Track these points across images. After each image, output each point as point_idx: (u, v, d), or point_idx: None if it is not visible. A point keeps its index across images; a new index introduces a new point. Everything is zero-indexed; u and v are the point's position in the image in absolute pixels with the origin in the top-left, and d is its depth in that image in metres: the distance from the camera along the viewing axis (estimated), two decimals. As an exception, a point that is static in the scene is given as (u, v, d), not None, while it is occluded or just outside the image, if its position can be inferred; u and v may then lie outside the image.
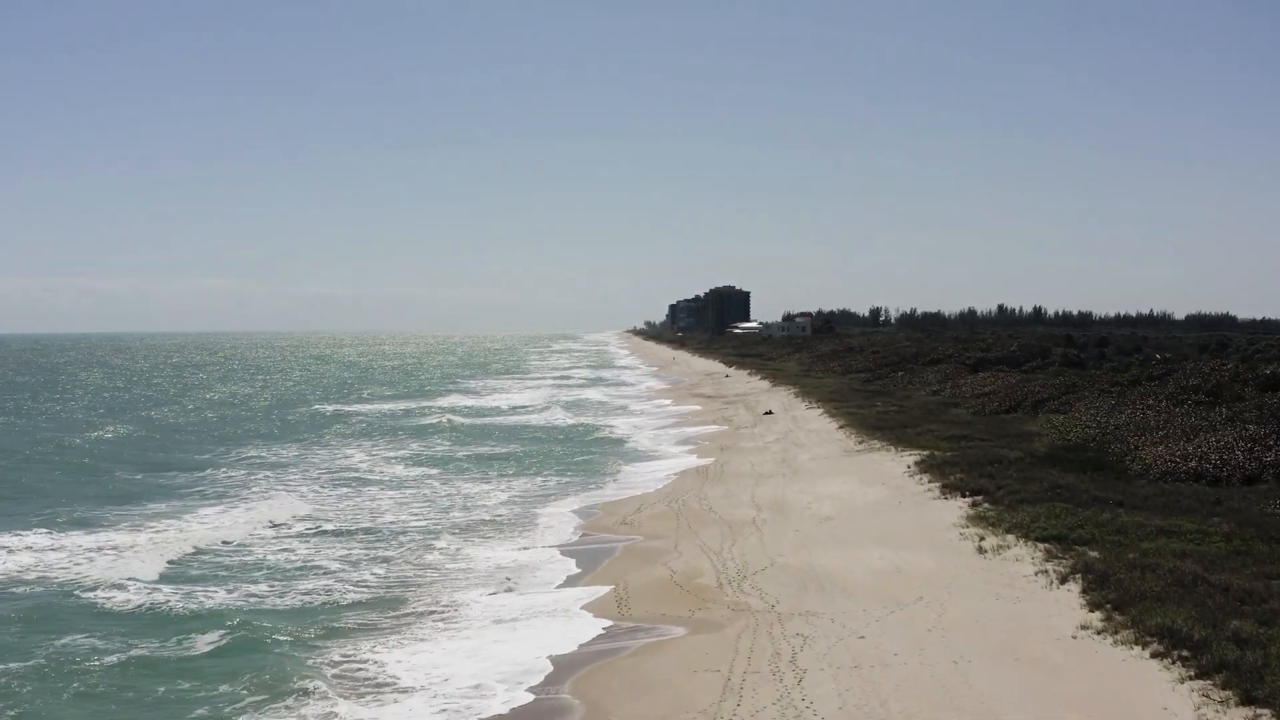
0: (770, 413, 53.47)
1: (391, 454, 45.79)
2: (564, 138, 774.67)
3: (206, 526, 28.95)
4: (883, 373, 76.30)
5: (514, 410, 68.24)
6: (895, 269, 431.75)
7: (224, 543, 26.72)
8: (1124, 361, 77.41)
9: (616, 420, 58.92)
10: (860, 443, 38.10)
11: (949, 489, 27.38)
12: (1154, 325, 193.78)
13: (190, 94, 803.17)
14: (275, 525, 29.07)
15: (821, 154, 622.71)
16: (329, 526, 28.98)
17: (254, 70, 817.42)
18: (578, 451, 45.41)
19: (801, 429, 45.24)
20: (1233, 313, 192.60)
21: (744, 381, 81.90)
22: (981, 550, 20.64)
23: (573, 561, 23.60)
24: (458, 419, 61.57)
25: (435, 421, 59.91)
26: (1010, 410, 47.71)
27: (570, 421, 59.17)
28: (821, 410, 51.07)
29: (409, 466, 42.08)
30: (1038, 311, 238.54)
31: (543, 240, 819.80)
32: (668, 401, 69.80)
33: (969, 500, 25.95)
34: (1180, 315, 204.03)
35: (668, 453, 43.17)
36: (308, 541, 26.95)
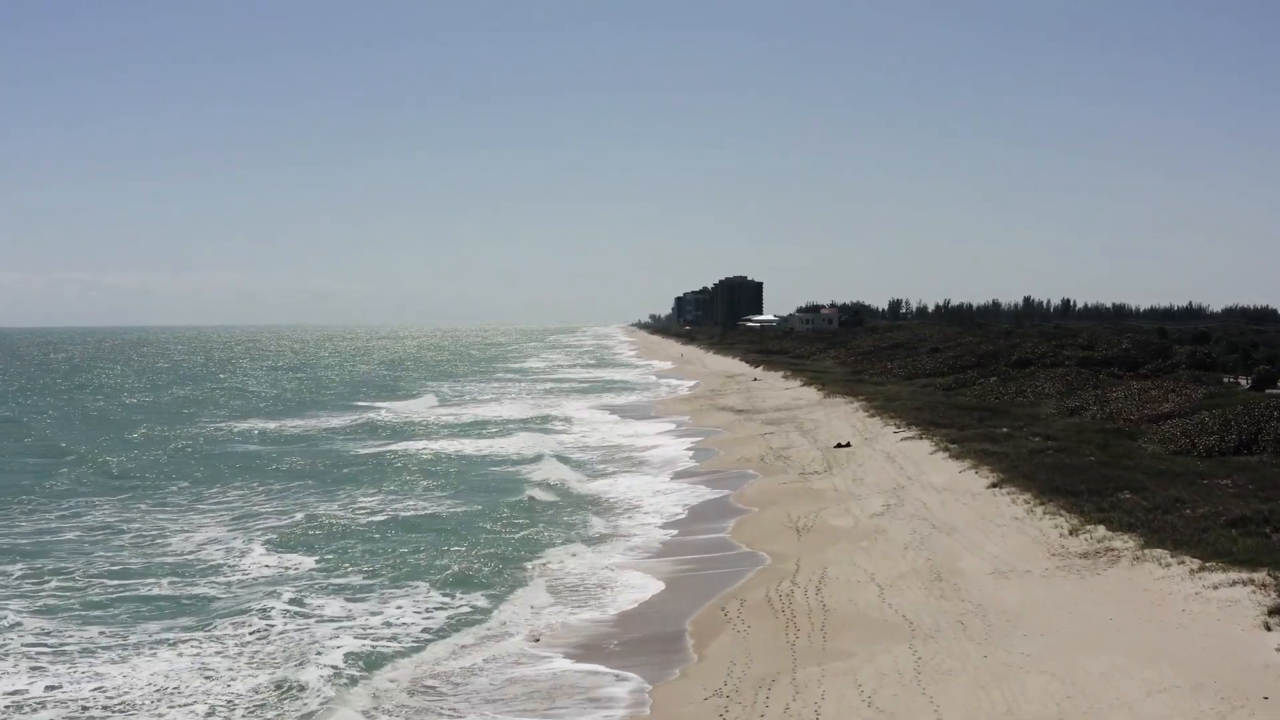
0: (847, 445, 35.56)
1: (264, 523, 28.31)
2: (567, 135, 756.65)
3: None
4: (967, 377, 58.36)
5: (479, 427, 50.33)
6: (904, 262, 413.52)
7: None
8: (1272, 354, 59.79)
9: (607, 451, 41.17)
10: (1071, 530, 20.11)
11: None
12: (1193, 318, 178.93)
13: (194, 92, 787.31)
14: None
15: (825, 149, 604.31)
16: None
17: (260, 69, 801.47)
18: (531, 521, 27.43)
19: (917, 482, 27.35)
20: (1272, 305, 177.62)
21: (781, 387, 63.93)
22: None
23: None
24: (408, 444, 43.92)
25: (381, 452, 42.22)
26: (1242, 449, 29.86)
27: (544, 446, 41.30)
28: (930, 443, 33.08)
29: (272, 551, 24.57)
30: (1066, 304, 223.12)
31: (546, 235, 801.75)
32: (683, 419, 51.82)
33: None
34: (1216, 308, 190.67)
35: (688, 536, 25.08)
36: None
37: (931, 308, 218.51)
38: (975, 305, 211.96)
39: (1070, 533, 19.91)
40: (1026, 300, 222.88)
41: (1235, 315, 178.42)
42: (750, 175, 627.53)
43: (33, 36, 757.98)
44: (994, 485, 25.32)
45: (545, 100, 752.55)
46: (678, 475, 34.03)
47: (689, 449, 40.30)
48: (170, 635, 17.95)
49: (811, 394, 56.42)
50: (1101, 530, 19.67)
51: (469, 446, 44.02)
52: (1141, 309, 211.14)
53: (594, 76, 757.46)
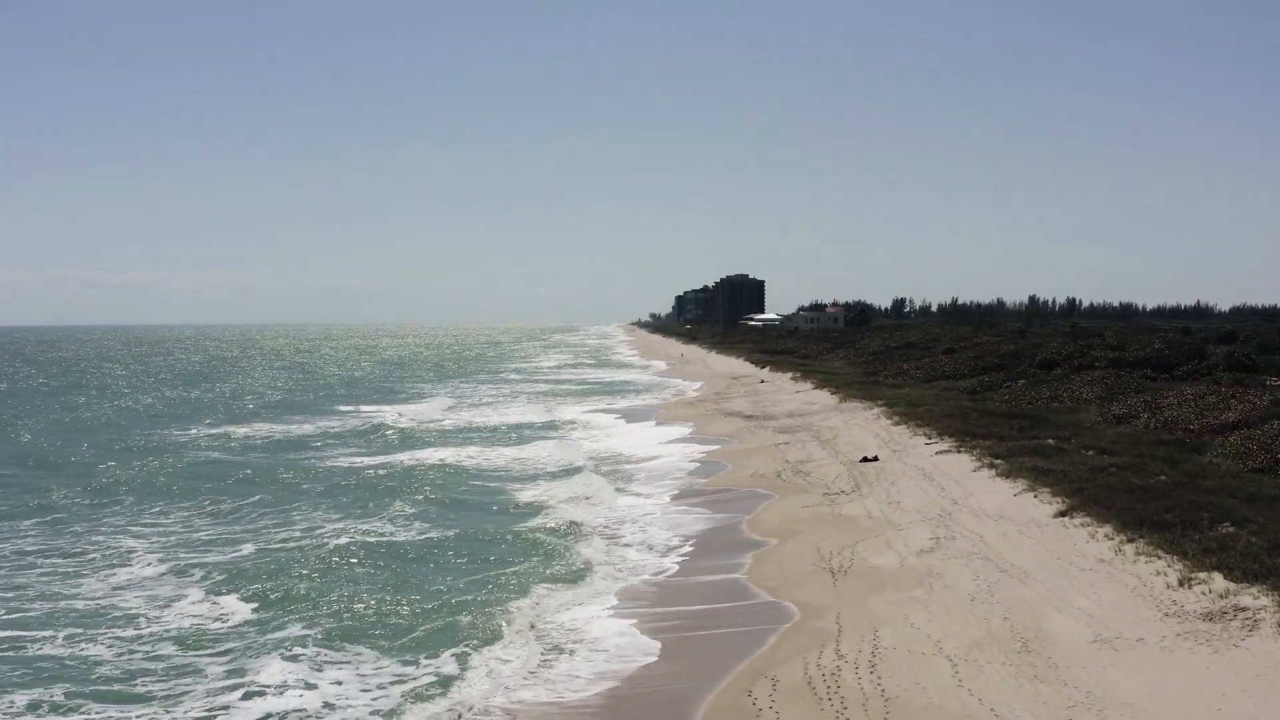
0: (874, 458, 31.61)
1: (205, 557, 24.35)
2: (566, 131, 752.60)
3: None
4: (991, 380, 54.37)
5: (477, 433, 46.35)
6: (906, 261, 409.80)
7: None
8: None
9: (606, 461, 37.20)
10: (1180, 580, 16.01)
11: None
12: (1202, 317, 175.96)
13: (194, 89, 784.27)
14: None
15: (824, 147, 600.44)
16: None
17: (259, 65, 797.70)
18: (520, 552, 23.51)
19: (965, 507, 23.37)
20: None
21: (790, 390, 59.95)
22: None
23: None
24: (396, 458, 40.00)
25: (355, 466, 38.30)
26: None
27: (548, 456, 37.41)
28: (970, 458, 29.05)
29: (208, 596, 20.67)
30: (1072, 303, 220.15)
31: (545, 233, 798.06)
32: (687, 426, 47.85)
33: None
34: (1223, 307, 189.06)
35: (694, 575, 21.17)
36: None
37: (935, 306, 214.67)
38: (980, 304, 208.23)
39: (1180, 583, 15.92)
40: (1032, 299, 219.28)
41: (1245, 314, 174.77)
42: (751, 173, 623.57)
43: (39, 34, 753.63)
44: (1062, 513, 21.32)
45: (546, 99, 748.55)
46: (681, 494, 30.05)
47: (694, 461, 36.36)
48: (37, 718, 14.03)
49: (825, 398, 52.46)
50: (1219, 580, 15.68)
51: (459, 455, 40.04)
52: (1147, 308, 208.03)
53: (595, 75, 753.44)
